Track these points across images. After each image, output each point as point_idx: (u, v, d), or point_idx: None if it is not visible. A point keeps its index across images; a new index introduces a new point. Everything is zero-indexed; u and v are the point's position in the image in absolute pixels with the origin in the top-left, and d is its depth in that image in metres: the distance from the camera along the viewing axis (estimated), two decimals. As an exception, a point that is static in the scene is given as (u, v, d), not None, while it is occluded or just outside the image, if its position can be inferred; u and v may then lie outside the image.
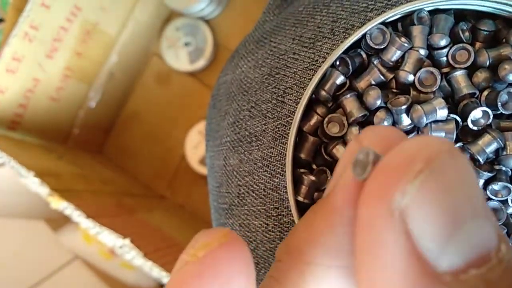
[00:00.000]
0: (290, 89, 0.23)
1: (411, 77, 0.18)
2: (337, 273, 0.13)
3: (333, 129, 0.18)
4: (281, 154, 0.20)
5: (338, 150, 0.18)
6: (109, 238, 0.45)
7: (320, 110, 0.19)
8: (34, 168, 0.48)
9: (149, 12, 0.69)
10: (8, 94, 0.54)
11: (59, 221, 0.72)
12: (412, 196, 0.10)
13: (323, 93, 0.18)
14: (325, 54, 0.22)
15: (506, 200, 0.17)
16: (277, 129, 0.23)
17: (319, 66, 0.22)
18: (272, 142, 0.21)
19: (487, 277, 0.10)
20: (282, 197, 0.20)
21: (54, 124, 0.65)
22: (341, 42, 0.21)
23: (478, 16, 0.19)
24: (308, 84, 0.22)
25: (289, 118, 0.22)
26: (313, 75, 0.22)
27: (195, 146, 0.67)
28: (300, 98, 0.22)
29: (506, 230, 0.17)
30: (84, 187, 0.58)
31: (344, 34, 0.22)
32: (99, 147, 0.75)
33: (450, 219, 0.10)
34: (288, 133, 0.22)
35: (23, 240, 0.79)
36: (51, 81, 0.60)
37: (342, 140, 0.18)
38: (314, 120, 0.18)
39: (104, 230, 0.45)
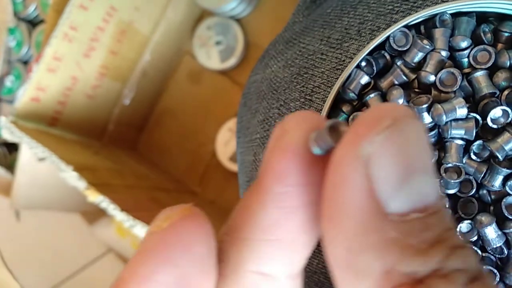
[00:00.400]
0: (317, 88, 0.24)
1: (432, 78, 0.18)
2: (272, 247, 0.15)
3: None
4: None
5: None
6: (142, 231, 0.46)
7: (346, 108, 0.20)
8: (72, 163, 0.50)
9: (181, 11, 0.71)
10: (48, 92, 0.57)
11: (94, 215, 0.75)
12: (377, 145, 0.13)
13: (349, 92, 0.19)
14: (352, 54, 0.23)
15: None
16: None
17: (346, 66, 0.23)
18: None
19: (424, 221, 0.13)
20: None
21: (90, 121, 0.67)
22: (367, 43, 0.22)
23: (500, 18, 0.20)
24: (335, 83, 0.22)
25: (317, 116, 0.24)
26: (340, 75, 0.23)
27: (225, 143, 0.68)
28: (327, 97, 0.23)
29: None
30: (119, 182, 0.60)
31: (370, 35, 0.23)
32: (132, 143, 0.77)
33: (403, 170, 0.13)
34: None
35: (59, 232, 0.82)
36: (88, 79, 0.62)
37: None
38: (340, 117, 0.19)
39: (138, 223, 0.46)
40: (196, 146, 0.73)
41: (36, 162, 0.58)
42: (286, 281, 0.15)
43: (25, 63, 0.75)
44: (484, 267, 0.18)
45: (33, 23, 0.75)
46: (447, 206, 0.19)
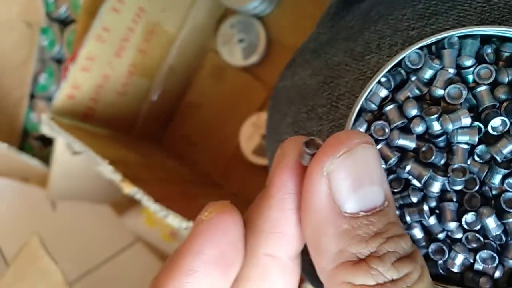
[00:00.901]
0: (342, 96, 0.27)
1: (441, 92, 0.22)
2: (276, 237, 0.20)
3: (379, 133, 0.22)
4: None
5: (382, 150, 0.22)
6: (175, 220, 0.50)
7: (368, 117, 0.23)
8: (106, 157, 0.53)
9: (205, 11, 0.73)
10: (82, 89, 0.60)
11: (123, 206, 0.78)
12: (335, 165, 0.18)
13: (370, 103, 0.22)
14: (373, 67, 0.26)
15: None
16: (331, 130, 0.27)
17: (368, 77, 0.26)
18: (326, 141, 0.25)
19: (368, 218, 0.18)
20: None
21: (120, 116, 0.70)
22: (387, 57, 0.25)
23: (502, 39, 0.22)
24: (358, 92, 0.25)
25: (342, 121, 0.27)
26: (362, 85, 0.26)
27: (248, 137, 0.71)
28: (351, 104, 0.26)
29: None
30: (149, 174, 0.63)
31: (389, 50, 0.26)
32: (159, 137, 0.80)
33: (353, 183, 0.18)
34: (341, 133, 0.26)
35: (91, 222, 0.85)
36: (118, 77, 0.65)
37: (386, 142, 0.22)
38: (363, 124, 0.22)
39: (171, 213, 0.50)
40: (220, 140, 0.76)
41: (70, 156, 0.62)
42: (288, 261, 0.21)
43: (58, 61, 0.78)
44: (485, 251, 0.22)
45: (64, 23, 0.78)
46: (455, 201, 0.22)
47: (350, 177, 0.18)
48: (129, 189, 0.52)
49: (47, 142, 0.75)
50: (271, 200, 0.20)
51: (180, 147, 0.79)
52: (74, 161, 0.64)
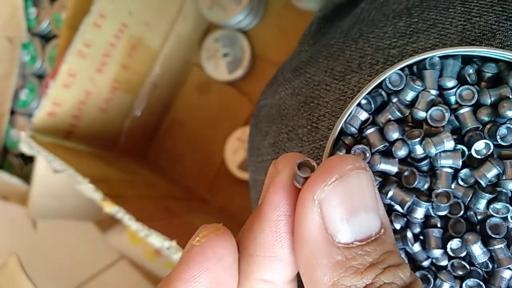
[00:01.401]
0: (323, 117, 0.26)
1: (423, 114, 0.21)
2: (270, 261, 0.19)
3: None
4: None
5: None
6: (157, 240, 0.48)
7: (348, 140, 0.22)
8: (88, 175, 0.52)
9: (189, 25, 0.73)
10: (64, 106, 0.59)
11: (106, 223, 0.77)
12: (326, 193, 0.17)
13: (350, 126, 0.22)
14: (353, 86, 0.25)
15: (506, 217, 0.20)
16: (312, 151, 0.27)
17: (348, 97, 0.25)
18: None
19: (363, 248, 0.17)
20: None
21: (103, 133, 0.69)
22: (368, 76, 0.24)
23: (484, 59, 0.22)
24: (338, 113, 0.25)
25: (322, 142, 0.26)
26: (343, 105, 0.25)
27: (234, 151, 0.70)
28: (332, 125, 0.25)
29: (506, 243, 0.20)
30: (132, 192, 0.62)
31: (370, 69, 0.25)
32: (143, 153, 0.79)
33: (346, 211, 0.17)
34: (322, 155, 0.25)
35: (73, 241, 0.84)
36: (101, 93, 0.64)
37: None
38: (343, 148, 0.22)
39: (153, 233, 0.48)
40: (205, 155, 0.75)
41: (51, 173, 0.61)
42: (283, 285, 0.20)
43: (39, 77, 0.77)
44: (471, 279, 0.21)
45: (46, 38, 0.77)
46: (440, 226, 0.21)
47: (343, 205, 0.17)
48: (110, 208, 0.51)
49: (28, 159, 0.74)
50: (264, 222, 0.19)
51: (164, 162, 0.78)
52: (56, 179, 0.63)
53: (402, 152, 0.21)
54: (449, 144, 0.20)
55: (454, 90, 0.21)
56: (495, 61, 0.22)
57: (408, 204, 0.21)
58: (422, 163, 0.21)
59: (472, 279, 0.21)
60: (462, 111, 0.21)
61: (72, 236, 0.83)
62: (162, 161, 0.78)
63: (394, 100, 0.22)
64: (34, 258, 0.72)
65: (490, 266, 0.21)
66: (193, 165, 0.76)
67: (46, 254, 0.83)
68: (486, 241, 0.20)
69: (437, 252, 0.21)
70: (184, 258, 0.19)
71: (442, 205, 0.20)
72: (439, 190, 0.20)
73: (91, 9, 0.56)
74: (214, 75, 0.72)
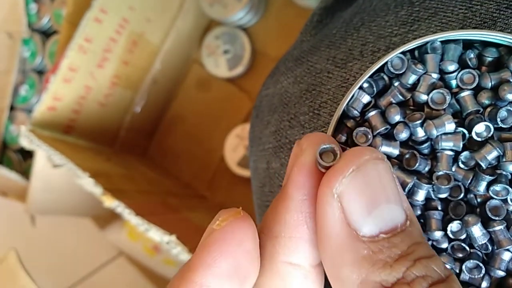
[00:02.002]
0: (325, 104, 0.26)
1: (424, 97, 0.21)
2: (296, 243, 0.18)
3: (361, 140, 0.21)
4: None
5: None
6: (156, 234, 0.49)
7: (350, 123, 0.22)
8: (87, 169, 0.52)
9: (190, 22, 0.73)
10: (64, 101, 0.59)
11: (105, 219, 0.77)
12: (344, 185, 0.17)
13: (352, 109, 0.22)
14: (355, 74, 0.25)
15: (506, 199, 0.20)
16: None
17: (350, 84, 0.25)
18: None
19: (390, 240, 0.16)
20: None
21: (103, 128, 0.69)
22: (369, 63, 0.25)
23: (484, 44, 0.22)
24: (340, 99, 0.25)
25: (324, 129, 0.26)
26: (345, 92, 0.25)
27: (233, 149, 0.70)
28: (333, 112, 0.25)
29: (505, 224, 0.20)
30: (131, 187, 0.62)
31: (372, 56, 0.25)
32: (143, 150, 0.79)
33: (367, 202, 0.17)
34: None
35: (72, 236, 0.84)
36: (101, 88, 0.64)
37: None
38: (344, 132, 0.22)
39: (152, 227, 0.48)
40: (204, 151, 0.75)
41: (51, 169, 0.61)
42: (310, 268, 0.19)
43: (39, 72, 0.77)
44: (471, 261, 0.21)
45: (46, 34, 0.77)
46: (440, 209, 0.21)
47: (363, 197, 0.17)
48: (110, 202, 0.51)
49: (27, 155, 0.74)
50: (289, 202, 0.19)
51: (164, 159, 0.78)
52: (55, 174, 0.63)
53: (403, 135, 0.21)
54: (450, 126, 0.20)
55: (455, 74, 0.21)
56: (496, 46, 0.22)
57: (409, 186, 0.21)
58: (423, 145, 0.21)
59: (471, 261, 0.21)
60: (463, 94, 0.21)
61: (70, 232, 0.83)
62: (161, 158, 0.78)
63: (396, 83, 0.22)
64: (33, 254, 0.72)
65: (490, 248, 0.21)
66: (193, 161, 0.76)
67: (44, 249, 0.83)
68: (486, 223, 0.21)
69: (438, 234, 0.21)
70: (205, 243, 0.18)
71: (443, 187, 0.21)
72: (440, 173, 0.21)
73: (92, 4, 0.56)
74: (215, 72, 0.72)
